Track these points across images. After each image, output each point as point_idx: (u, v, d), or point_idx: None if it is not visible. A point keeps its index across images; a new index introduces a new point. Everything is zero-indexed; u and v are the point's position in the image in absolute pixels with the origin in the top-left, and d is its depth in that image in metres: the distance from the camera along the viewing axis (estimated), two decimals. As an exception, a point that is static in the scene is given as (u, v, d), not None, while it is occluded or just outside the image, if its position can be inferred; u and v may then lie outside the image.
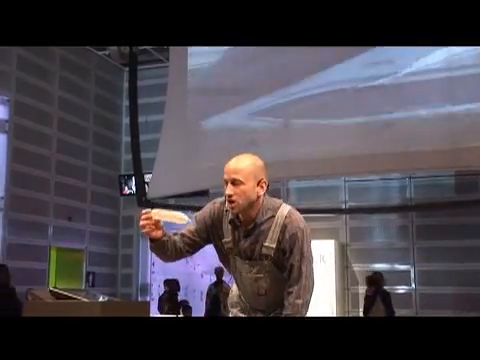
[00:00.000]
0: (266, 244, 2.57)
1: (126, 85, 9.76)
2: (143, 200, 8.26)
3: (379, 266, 8.77)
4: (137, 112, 8.38)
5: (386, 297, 7.54)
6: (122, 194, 9.93)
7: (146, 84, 9.46)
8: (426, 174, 8.39)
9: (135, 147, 8.34)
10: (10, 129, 8.04)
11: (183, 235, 2.62)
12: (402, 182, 8.84)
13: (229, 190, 2.50)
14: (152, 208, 2.49)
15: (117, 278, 10.17)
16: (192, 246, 2.64)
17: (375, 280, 7.68)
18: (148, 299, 9.71)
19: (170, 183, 7.74)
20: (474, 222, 8.12)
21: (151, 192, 8.10)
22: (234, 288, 2.88)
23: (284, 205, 2.63)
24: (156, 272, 10.11)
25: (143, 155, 8.33)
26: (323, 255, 8.31)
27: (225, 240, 2.64)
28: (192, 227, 2.63)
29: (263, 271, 2.62)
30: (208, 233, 2.65)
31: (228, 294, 2.98)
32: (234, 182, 2.50)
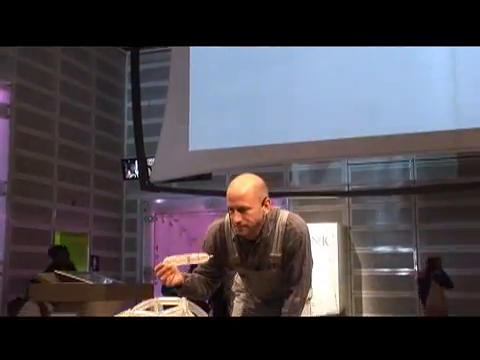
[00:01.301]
0: (272, 254, 2.63)
1: (128, 69, 9.73)
2: (146, 184, 8.27)
3: (382, 249, 8.80)
4: (139, 96, 8.35)
5: (440, 279, 7.62)
6: (125, 178, 9.94)
7: (148, 68, 9.41)
8: (429, 156, 8.38)
9: (138, 131, 8.32)
10: (12, 114, 8.04)
11: (201, 272, 2.68)
12: (405, 165, 8.83)
13: (237, 218, 2.53)
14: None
15: (121, 262, 10.22)
16: (215, 276, 2.72)
17: (429, 262, 7.80)
18: (152, 282, 9.75)
19: (173, 167, 7.73)
20: (477, 204, 8.12)
21: (154, 176, 8.10)
22: (239, 278, 2.92)
23: (282, 212, 2.69)
24: (159, 256, 10.14)
25: (146, 139, 8.32)
26: (326, 238, 8.32)
27: (232, 257, 2.70)
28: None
29: (270, 276, 2.69)
30: (219, 258, 2.70)
31: (231, 277, 3.02)
32: (241, 209, 2.52)
